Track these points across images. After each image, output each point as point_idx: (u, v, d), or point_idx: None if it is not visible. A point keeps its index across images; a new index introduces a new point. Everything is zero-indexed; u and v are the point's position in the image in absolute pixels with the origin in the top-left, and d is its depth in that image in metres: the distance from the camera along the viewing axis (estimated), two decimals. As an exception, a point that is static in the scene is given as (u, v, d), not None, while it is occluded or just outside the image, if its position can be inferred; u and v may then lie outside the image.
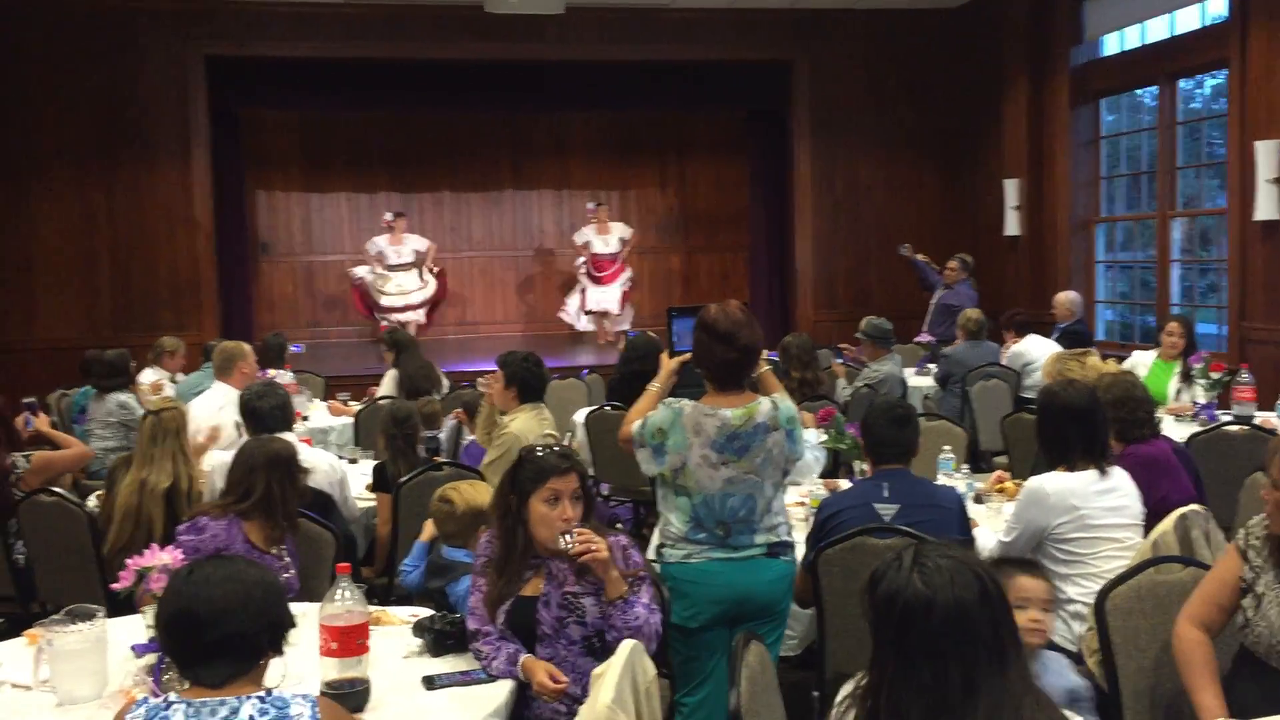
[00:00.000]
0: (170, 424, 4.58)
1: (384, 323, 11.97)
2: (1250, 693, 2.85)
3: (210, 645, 2.20)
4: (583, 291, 13.06)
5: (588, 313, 13.05)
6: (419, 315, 12.69)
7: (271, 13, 10.92)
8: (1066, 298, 9.00)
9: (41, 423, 6.02)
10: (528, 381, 5.26)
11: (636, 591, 3.11)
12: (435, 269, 12.85)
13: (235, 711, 2.12)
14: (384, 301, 12.48)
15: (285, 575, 3.77)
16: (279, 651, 2.34)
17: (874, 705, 1.89)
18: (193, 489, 4.57)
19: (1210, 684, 2.86)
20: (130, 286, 10.86)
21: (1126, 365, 6.68)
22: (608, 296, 12.95)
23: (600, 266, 12.98)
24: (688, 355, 3.78)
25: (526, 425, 5.18)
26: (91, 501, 4.97)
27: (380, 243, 12.67)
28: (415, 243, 12.79)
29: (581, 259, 13.10)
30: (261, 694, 2.19)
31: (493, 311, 14.60)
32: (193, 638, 2.21)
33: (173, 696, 2.19)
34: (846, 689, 1.99)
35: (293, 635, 3.13)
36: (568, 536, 3.07)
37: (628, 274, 13.07)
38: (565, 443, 7.10)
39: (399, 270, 12.58)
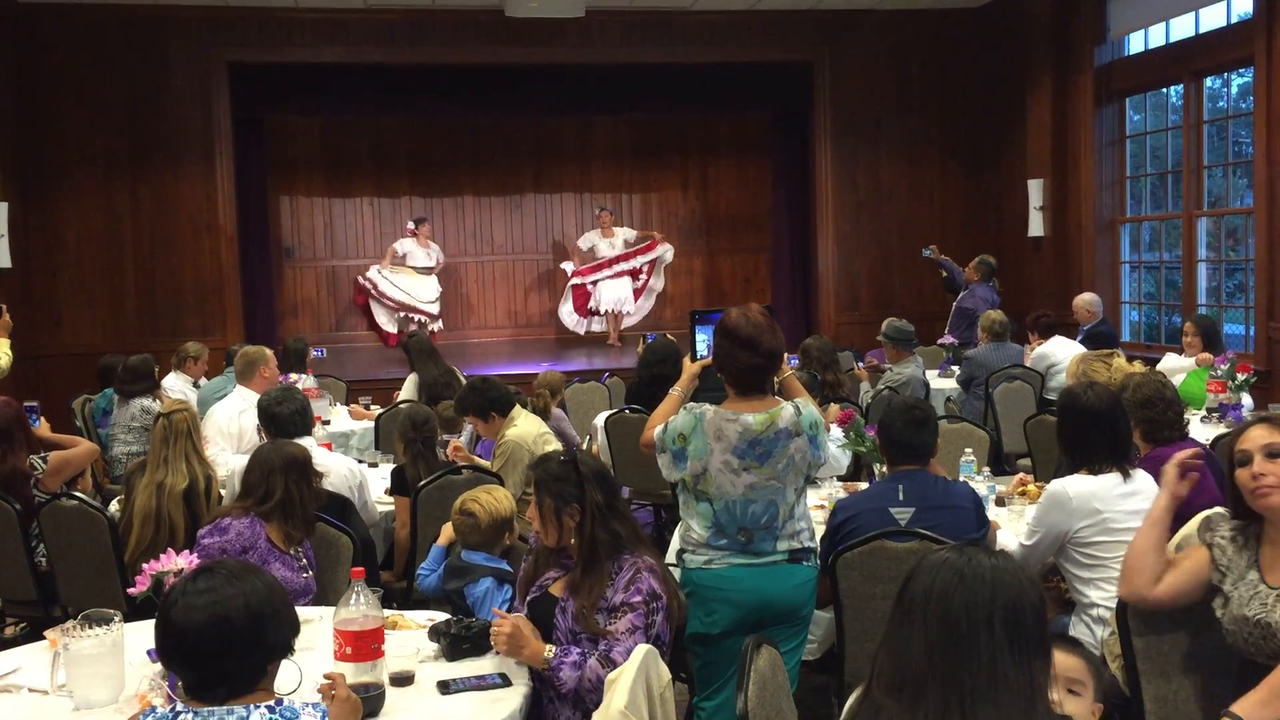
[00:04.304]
0: (181, 425, 4.61)
1: (408, 325, 12.16)
2: None
3: (204, 677, 2.17)
4: (589, 291, 13.18)
5: (595, 313, 13.20)
6: (439, 325, 12.91)
7: (294, 19, 10.98)
8: (1085, 299, 8.91)
9: (42, 428, 6.04)
10: (495, 401, 5.43)
11: (565, 653, 3.03)
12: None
13: None
14: (396, 296, 12.67)
15: (304, 576, 3.78)
16: (284, 658, 2.29)
17: (868, 683, 1.89)
18: (211, 488, 4.59)
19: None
20: (155, 292, 10.95)
21: (1160, 368, 6.58)
22: (621, 293, 13.03)
23: (606, 261, 13.22)
24: (709, 360, 3.75)
25: (525, 427, 5.34)
26: (114, 506, 4.99)
27: (407, 244, 13.05)
28: (437, 252, 13.18)
29: (568, 265, 13.32)
30: (271, 703, 2.17)
31: (514, 315, 14.60)
32: (187, 669, 2.19)
33: (179, 706, 2.16)
34: (857, 694, 1.97)
35: (312, 639, 3.16)
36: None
37: (636, 264, 13.22)
38: (584, 446, 7.15)
39: (423, 273, 12.92)
